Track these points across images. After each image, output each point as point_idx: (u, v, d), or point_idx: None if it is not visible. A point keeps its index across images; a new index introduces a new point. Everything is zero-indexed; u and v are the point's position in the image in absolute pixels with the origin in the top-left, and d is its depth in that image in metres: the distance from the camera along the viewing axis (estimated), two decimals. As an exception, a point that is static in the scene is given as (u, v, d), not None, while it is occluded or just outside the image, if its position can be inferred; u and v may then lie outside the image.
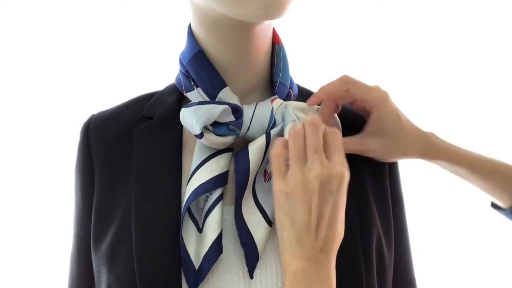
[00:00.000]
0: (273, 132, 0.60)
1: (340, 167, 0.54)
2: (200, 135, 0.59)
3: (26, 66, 1.35)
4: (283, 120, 0.62)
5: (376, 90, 0.64)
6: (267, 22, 0.61)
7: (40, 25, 1.35)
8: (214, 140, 0.60)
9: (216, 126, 0.60)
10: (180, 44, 0.68)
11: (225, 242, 0.59)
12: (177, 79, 0.68)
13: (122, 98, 0.72)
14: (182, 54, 0.66)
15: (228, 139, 0.60)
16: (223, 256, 0.58)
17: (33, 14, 1.35)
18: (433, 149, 0.65)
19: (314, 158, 0.53)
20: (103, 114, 0.70)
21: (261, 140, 0.60)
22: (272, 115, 0.61)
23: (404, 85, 1.38)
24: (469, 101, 1.38)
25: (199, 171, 0.60)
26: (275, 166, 0.55)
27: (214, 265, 0.57)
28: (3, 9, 1.35)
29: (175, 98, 0.68)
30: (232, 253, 0.59)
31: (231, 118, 0.60)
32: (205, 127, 0.59)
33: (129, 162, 0.64)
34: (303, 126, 0.55)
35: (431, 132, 0.66)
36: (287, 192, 0.53)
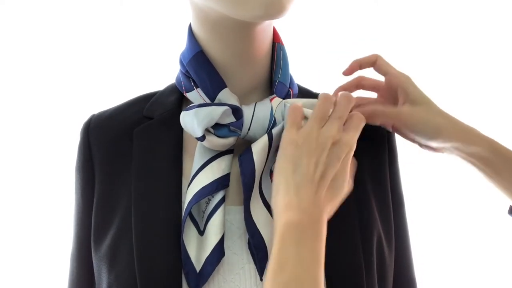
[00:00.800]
0: (274, 131, 0.60)
1: (352, 140, 0.56)
2: (202, 138, 0.59)
3: (26, 66, 1.35)
4: (283, 118, 0.61)
5: (400, 72, 0.68)
6: (267, 22, 0.61)
7: (40, 25, 1.35)
8: (215, 142, 0.59)
9: (217, 128, 0.59)
10: (180, 44, 0.68)
11: (226, 242, 0.59)
12: (177, 79, 0.68)
13: (122, 98, 0.72)
14: (183, 54, 0.66)
15: (229, 140, 0.60)
16: (224, 256, 0.58)
17: (33, 14, 1.35)
18: (473, 133, 0.64)
19: (334, 122, 0.56)
20: (104, 114, 0.70)
21: (263, 140, 0.59)
22: (272, 114, 0.61)
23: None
24: (468, 101, 1.38)
25: (200, 174, 0.60)
26: (291, 117, 0.57)
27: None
28: (3, 9, 1.35)
29: (175, 98, 0.68)
30: (232, 253, 0.59)
31: (232, 119, 0.60)
32: (207, 129, 0.59)
33: (129, 162, 0.64)
34: (337, 94, 0.58)
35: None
36: (298, 142, 0.55)
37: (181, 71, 0.67)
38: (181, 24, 0.74)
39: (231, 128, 0.60)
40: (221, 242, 0.57)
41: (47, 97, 1.35)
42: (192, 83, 0.64)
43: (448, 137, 0.64)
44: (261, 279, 0.58)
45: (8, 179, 1.34)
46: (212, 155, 0.61)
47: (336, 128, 0.56)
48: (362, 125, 0.58)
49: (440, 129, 0.64)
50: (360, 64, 0.69)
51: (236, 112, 0.60)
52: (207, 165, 0.60)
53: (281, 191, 0.53)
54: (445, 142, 0.64)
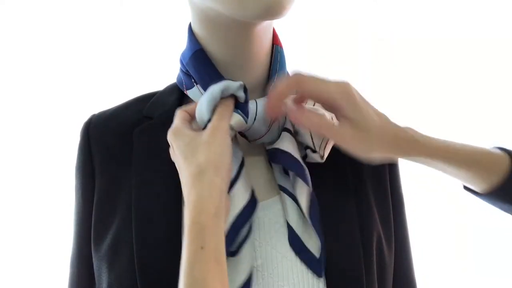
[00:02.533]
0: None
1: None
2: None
3: (26, 66, 1.35)
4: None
5: (332, 82, 0.58)
6: (267, 22, 0.61)
7: (40, 25, 1.35)
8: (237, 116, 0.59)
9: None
10: (181, 44, 0.68)
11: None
12: (178, 78, 0.68)
13: (122, 98, 0.72)
14: (183, 54, 0.66)
15: (238, 123, 0.59)
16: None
17: (33, 14, 1.35)
18: (405, 143, 0.61)
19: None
20: (104, 114, 0.69)
21: (289, 139, 0.61)
22: None
23: (404, 85, 1.39)
24: (468, 101, 1.38)
25: (238, 185, 0.58)
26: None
27: None
28: (3, 9, 1.35)
29: (175, 98, 0.68)
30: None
31: (243, 95, 0.59)
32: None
33: (129, 162, 0.64)
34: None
35: (407, 127, 0.63)
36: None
37: (181, 70, 0.67)
38: (181, 24, 0.74)
39: (239, 112, 0.59)
40: (256, 267, 0.58)
41: (47, 97, 1.35)
42: (193, 80, 0.64)
43: (373, 157, 0.61)
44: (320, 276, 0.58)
45: (8, 179, 1.34)
46: (234, 175, 0.59)
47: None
48: (178, 115, 0.59)
49: (363, 151, 0.60)
50: (280, 97, 0.58)
51: (245, 91, 0.59)
52: (239, 174, 0.59)
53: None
54: (372, 159, 0.61)
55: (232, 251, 0.56)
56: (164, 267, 0.58)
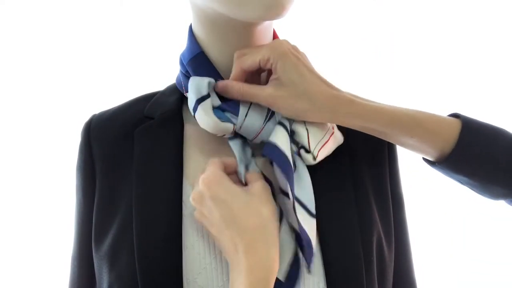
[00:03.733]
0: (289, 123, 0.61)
1: (200, 180, 0.57)
2: (197, 102, 0.60)
3: (26, 66, 1.35)
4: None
5: (267, 45, 0.60)
6: (267, 22, 0.62)
7: (40, 25, 1.35)
8: (216, 123, 0.59)
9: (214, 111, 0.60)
10: (181, 44, 0.68)
11: None
12: (178, 79, 0.68)
13: (123, 98, 0.72)
14: (183, 55, 0.66)
15: (227, 126, 0.60)
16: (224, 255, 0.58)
17: (33, 14, 1.35)
18: (344, 106, 0.59)
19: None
20: (104, 114, 0.70)
21: (282, 133, 0.60)
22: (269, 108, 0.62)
23: (404, 85, 1.39)
24: (468, 101, 1.38)
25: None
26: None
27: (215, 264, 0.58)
28: (3, 9, 1.35)
29: (176, 98, 0.68)
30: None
31: (217, 102, 0.60)
32: (207, 112, 0.59)
33: (130, 162, 0.64)
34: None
35: (349, 93, 0.61)
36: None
37: (181, 71, 0.67)
38: (182, 24, 0.74)
39: (228, 114, 0.60)
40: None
41: (47, 97, 1.35)
42: None
43: (313, 119, 0.60)
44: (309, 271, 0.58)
45: (9, 180, 1.34)
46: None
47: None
48: (214, 163, 0.59)
49: (301, 113, 0.59)
50: (235, 76, 0.61)
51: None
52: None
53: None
54: (316, 118, 0.61)
55: None
56: (164, 267, 0.58)
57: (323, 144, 0.62)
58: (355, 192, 0.65)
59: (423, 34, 1.42)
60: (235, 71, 0.61)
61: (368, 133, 0.63)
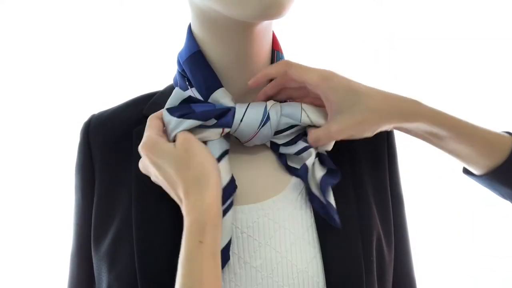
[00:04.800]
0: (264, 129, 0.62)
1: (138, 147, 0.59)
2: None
3: (26, 66, 1.35)
4: (282, 114, 0.62)
5: (314, 70, 0.61)
6: (266, 23, 0.62)
7: (40, 25, 1.35)
8: (199, 131, 0.60)
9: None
10: (180, 44, 0.68)
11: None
12: (174, 78, 0.68)
13: (122, 98, 0.72)
14: (180, 53, 0.66)
15: (217, 131, 0.60)
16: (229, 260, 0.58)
17: (33, 14, 1.35)
18: (411, 111, 0.61)
19: None
20: (104, 114, 0.70)
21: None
22: (266, 111, 0.61)
23: (404, 85, 1.39)
24: (469, 101, 1.38)
25: None
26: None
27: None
28: (3, 9, 1.35)
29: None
30: (231, 252, 0.59)
31: (213, 121, 0.60)
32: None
33: (129, 161, 0.64)
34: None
35: (413, 98, 0.62)
36: None
37: (178, 70, 0.67)
38: (181, 24, 0.74)
39: (219, 124, 0.60)
40: (227, 248, 0.57)
41: (47, 97, 1.35)
42: (187, 83, 0.64)
43: (385, 124, 0.61)
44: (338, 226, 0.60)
45: (8, 180, 1.34)
46: (217, 156, 0.60)
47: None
48: (151, 123, 0.61)
49: (376, 126, 0.61)
50: (266, 75, 0.62)
51: (223, 113, 0.60)
52: (220, 160, 0.60)
53: None
54: (387, 127, 0.62)
55: None
56: (164, 267, 0.58)
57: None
58: (355, 192, 0.65)
59: (423, 34, 1.42)
60: (276, 68, 0.61)
61: (425, 139, 0.64)
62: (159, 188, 0.61)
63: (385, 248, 0.66)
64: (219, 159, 0.60)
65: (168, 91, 0.70)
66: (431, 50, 1.42)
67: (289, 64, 0.61)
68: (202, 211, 0.54)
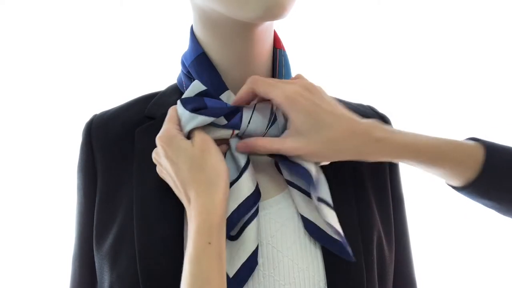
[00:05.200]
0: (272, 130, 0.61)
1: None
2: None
3: (27, 66, 1.35)
4: (284, 116, 0.62)
5: (279, 87, 0.58)
6: (268, 23, 0.62)
7: (40, 25, 1.35)
8: (213, 131, 0.60)
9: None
10: (181, 44, 0.69)
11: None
12: (179, 79, 0.69)
13: (124, 98, 0.72)
14: (185, 56, 0.66)
15: (227, 132, 0.60)
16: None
17: (33, 14, 1.35)
18: (369, 147, 0.59)
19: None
20: (105, 114, 0.70)
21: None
22: (272, 111, 0.61)
23: (405, 85, 1.39)
24: (469, 101, 1.38)
25: (239, 183, 0.59)
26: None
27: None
28: (3, 9, 1.35)
29: (177, 98, 0.67)
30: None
31: (223, 121, 0.60)
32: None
33: (131, 161, 0.64)
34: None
35: (372, 125, 0.60)
36: None
37: (182, 71, 0.67)
38: (182, 24, 0.74)
39: (228, 126, 0.60)
40: (256, 250, 0.58)
41: (48, 97, 1.35)
42: None
43: (341, 158, 0.60)
44: (355, 260, 0.59)
45: (10, 180, 1.34)
46: (242, 166, 0.60)
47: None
48: (170, 117, 0.61)
49: (328, 158, 0.60)
50: (241, 100, 0.61)
51: (233, 113, 0.60)
52: (243, 173, 0.60)
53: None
54: (344, 159, 0.60)
55: (233, 235, 0.58)
56: (166, 266, 0.58)
57: None
58: (356, 192, 0.65)
59: (423, 34, 1.42)
60: (246, 89, 0.60)
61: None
62: (160, 188, 0.61)
63: (385, 247, 0.66)
64: (244, 168, 0.60)
65: (169, 91, 0.70)
66: (431, 50, 1.42)
67: (255, 82, 0.59)
68: (210, 213, 0.54)
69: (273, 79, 0.61)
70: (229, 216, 0.57)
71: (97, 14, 1.37)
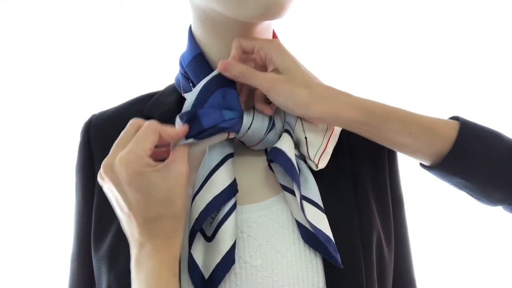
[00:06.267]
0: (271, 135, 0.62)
1: (126, 156, 0.52)
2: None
3: (26, 66, 1.35)
4: (281, 120, 0.62)
5: (266, 39, 0.61)
6: (266, 23, 0.62)
7: (40, 25, 1.35)
8: (208, 141, 0.59)
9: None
10: (180, 44, 0.68)
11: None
12: (176, 79, 0.68)
13: (122, 98, 0.72)
14: (183, 56, 0.66)
15: (223, 135, 0.60)
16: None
17: (33, 14, 1.35)
18: (343, 96, 0.59)
19: (112, 150, 0.54)
20: (104, 114, 0.70)
21: (287, 139, 0.60)
22: (271, 117, 0.62)
23: (404, 85, 1.39)
24: (468, 100, 1.38)
25: (209, 183, 0.59)
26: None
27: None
28: (3, 9, 1.35)
29: (175, 98, 0.68)
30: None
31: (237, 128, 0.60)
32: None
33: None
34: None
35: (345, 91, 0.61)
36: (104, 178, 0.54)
37: (180, 71, 0.67)
38: (181, 24, 0.74)
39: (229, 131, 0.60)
40: (232, 250, 0.57)
41: (47, 97, 1.35)
42: (191, 84, 0.64)
43: (313, 109, 0.58)
44: (342, 266, 0.58)
45: (8, 180, 1.34)
46: (217, 162, 0.60)
47: (113, 156, 0.53)
48: (146, 137, 0.53)
49: (301, 100, 0.58)
50: (234, 57, 0.60)
51: (235, 124, 0.60)
52: (214, 172, 0.59)
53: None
54: (312, 114, 0.59)
55: (208, 236, 0.58)
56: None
57: (322, 151, 0.62)
58: (355, 192, 0.65)
59: (421, 32, 1.42)
60: (234, 49, 0.60)
61: (363, 133, 0.62)
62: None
63: (385, 248, 0.66)
64: (221, 162, 0.59)
65: (168, 91, 0.70)
66: (429, 49, 1.42)
67: (239, 39, 0.60)
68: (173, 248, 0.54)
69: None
70: (203, 209, 0.56)
71: (97, 14, 1.37)
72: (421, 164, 0.66)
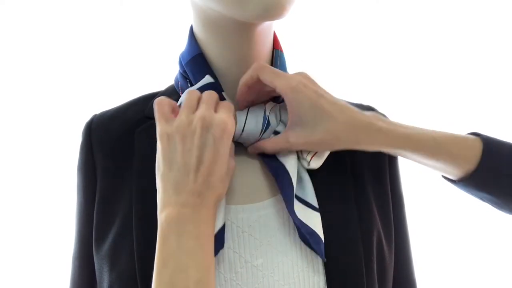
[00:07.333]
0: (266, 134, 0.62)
1: (224, 116, 0.55)
2: None
3: (27, 67, 1.35)
4: (277, 120, 0.62)
5: (284, 77, 0.59)
6: (267, 24, 0.62)
7: (40, 25, 1.35)
8: None
9: None
10: (181, 44, 0.69)
11: (227, 239, 0.59)
12: (176, 80, 0.69)
13: (123, 98, 0.72)
14: (182, 55, 0.66)
15: None
16: (225, 254, 0.58)
17: (33, 14, 1.35)
18: (368, 137, 0.60)
19: (202, 106, 0.56)
20: (105, 114, 0.70)
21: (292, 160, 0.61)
22: (265, 117, 0.62)
23: (404, 85, 1.39)
24: (468, 100, 1.38)
25: None
26: (159, 110, 0.56)
27: (216, 263, 0.57)
28: (3, 9, 1.35)
29: (176, 98, 0.67)
30: (232, 251, 0.59)
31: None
32: None
33: (131, 161, 0.64)
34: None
35: (373, 116, 0.61)
36: (169, 133, 0.54)
37: (179, 71, 0.67)
38: (182, 24, 0.74)
39: None
40: (221, 233, 0.57)
41: (48, 97, 1.35)
42: (189, 84, 0.64)
43: (334, 148, 0.61)
44: (324, 260, 0.58)
45: (10, 180, 1.34)
46: None
47: (203, 109, 0.55)
48: (232, 108, 0.58)
49: (329, 146, 0.60)
50: (246, 84, 0.60)
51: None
52: None
53: (160, 193, 0.54)
54: (343, 148, 0.61)
55: None
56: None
57: (313, 153, 0.62)
58: (355, 192, 0.65)
59: (421, 32, 1.42)
60: (250, 74, 0.60)
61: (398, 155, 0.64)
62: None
63: (385, 248, 0.66)
64: None
65: (169, 91, 0.70)
66: (429, 48, 1.42)
67: (261, 68, 0.59)
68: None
69: (278, 69, 0.61)
70: None
71: (97, 14, 1.37)
72: (445, 177, 0.68)
